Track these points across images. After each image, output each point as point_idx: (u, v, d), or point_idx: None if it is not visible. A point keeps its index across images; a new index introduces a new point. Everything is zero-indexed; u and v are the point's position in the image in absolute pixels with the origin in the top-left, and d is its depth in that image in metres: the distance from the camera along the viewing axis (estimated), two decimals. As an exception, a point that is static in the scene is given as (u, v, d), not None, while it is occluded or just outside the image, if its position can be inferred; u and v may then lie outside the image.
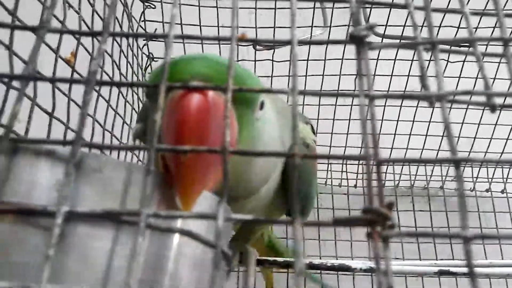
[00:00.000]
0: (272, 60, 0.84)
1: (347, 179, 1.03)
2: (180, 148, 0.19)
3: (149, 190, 0.18)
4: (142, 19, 0.78)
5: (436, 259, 0.92)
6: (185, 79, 0.27)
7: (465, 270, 0.42)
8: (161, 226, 0.20)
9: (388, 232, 0.18)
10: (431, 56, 0.21)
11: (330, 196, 1.02)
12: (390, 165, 1.02)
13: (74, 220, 0.18)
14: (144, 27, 0.80)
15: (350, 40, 0.22)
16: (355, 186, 1.04)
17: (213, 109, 0.25)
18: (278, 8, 0.78)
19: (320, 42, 0.23)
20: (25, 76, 0.20)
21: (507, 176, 1.05)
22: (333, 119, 0.97)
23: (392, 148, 0.99)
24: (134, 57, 0.75)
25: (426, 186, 1.06)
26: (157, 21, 0.78)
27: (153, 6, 0.77)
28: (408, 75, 0.91)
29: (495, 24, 0.71)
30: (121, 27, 0.64)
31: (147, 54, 0.82)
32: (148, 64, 0.83)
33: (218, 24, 0.79)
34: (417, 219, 1.01)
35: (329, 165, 1.03)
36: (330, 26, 0.77)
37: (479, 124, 0.97)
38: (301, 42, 0.22)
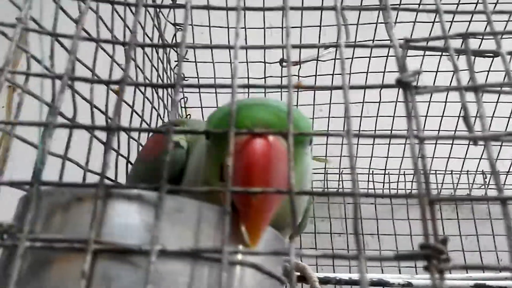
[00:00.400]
0: (299, 76, 0.87)
1: (374, 188, 1.04)
2: (253, 190, 0.21)
3: (227, 229, 0.21)
4: (174, 41, 0.81)
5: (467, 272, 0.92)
6: (248, 125, 0.29)
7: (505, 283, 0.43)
8: (235, 260, 0.23)
9: (444, 266, 0.20)
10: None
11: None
12: (432, 174, 1.03)
13: (163, 257, 0.21)
14: (176, 50, 0.83)
15: (397, 84, 0.24)
16: (382, 197, 1.05)
17: (276, 153, 0.27)
18: (305, 26, 0.80)
19: (369, 86, 0.25)
20: (113, 128, 0.23)
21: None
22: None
23: (433, 157, 1.00)
24: (165, 75, 0.79)
25: (453, 194, 1.06)
26: (188, 44, 0.81)
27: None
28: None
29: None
30: (157, 52, 0.67)
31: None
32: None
33: (246, 42, 0.81)
34: (445, 227, 1.01)
35: (356, 175, 1.04)
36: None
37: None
38: (353, 87, 0.24)
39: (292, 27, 0.83)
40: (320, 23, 0.82)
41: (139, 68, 0.56)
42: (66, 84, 0.24)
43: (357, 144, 0.99)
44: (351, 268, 0.90)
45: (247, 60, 0.84)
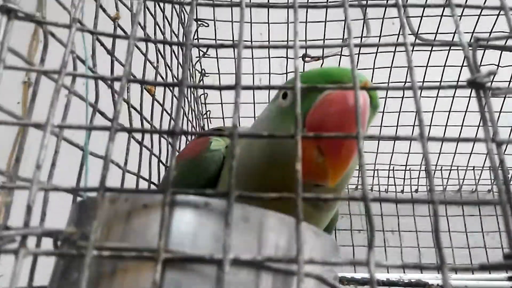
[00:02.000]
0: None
1: (394, 185, 1.03)
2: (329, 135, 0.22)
3: (301, 239, 0.20)
4: (195, 37, 0.80)
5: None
6: (342, 79, 0.34)
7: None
8: (310, 273, 0.22)
9: (533, 277, 0.19)
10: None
11: (378, 203, 1.02)
12: (438, 170, 1.02)
13: (231, 267, 0.20)
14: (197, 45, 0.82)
15: (469, 86, 0.23)
16: (402, 191, 1.04)
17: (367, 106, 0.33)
18: (329, 21, 0.79)
19: (441, 87, 0.24)
20: (177, 132, 0.22)
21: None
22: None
23: (440, 153, 0.99)
24: (188, 72, 0.78)
25: (474, 190, 1.05)
26: (210, 38, 0.80)
27: (206, 25, 0.80)
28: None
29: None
30: (182, 49, 0.66)
31: (200, 70, 0.85)
32: (200, 80, 0.85)
33: (268, 39, 0.80)
34: (467, 224, 1.00)
35: (375, 171, 1.03)
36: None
37: None
38: (424, 87, 0.23)
39: (316, 22, 0.82)
40: (344, 20, 0.81)
41: (168, 66, 0.56)
42: (125, 87, 0.23)
43: (378, 140, 0.98)
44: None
45: (269, 55, 0.83)
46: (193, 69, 0.82)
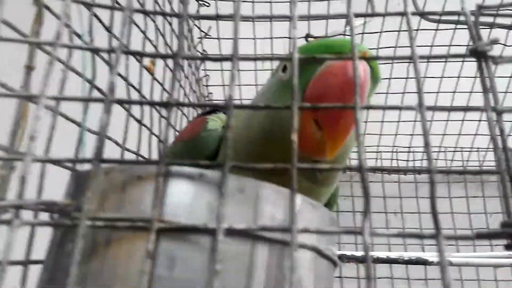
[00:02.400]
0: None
1: (397, 167, 1.03)
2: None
3: (295, 209, 0.20)
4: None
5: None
6: (344, 51, 0.33)
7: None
8: (305, 243, 0.22)
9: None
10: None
11: (380, 185, 1.02)
12: (442, 151, 1.01)
13: (226, 237, 0.20)
14: (198, 26, 0.81)
15: (471, 55, 0.22)
16: (405, 173, 1.03)
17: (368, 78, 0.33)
18: None
19: (440, 56, 0.23)
20: (172, 103, 0.22)
21: None
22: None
23: (444, 134, 0.98)
24: (189, 53, 0.77)
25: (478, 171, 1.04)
26: (212, 18, 0.79)
27: (208, 4, 0.78)
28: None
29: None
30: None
31: (201, 51, 0.84)
32: (201, 62, 0.85)
33: (271, 18, 0.79)
34: (470, 205, 1.00)
35: (379, 153, 1.03)
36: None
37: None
38: (422, 57, 0.23)
39: (320, 0, 0.80)
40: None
41: (168, 44, 0.55)
42: (119, 58, 0.23)
43: (382, 122, 0.97)
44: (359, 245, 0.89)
45: (271, 35, 0.82)
46: (194, 50, 0.81)
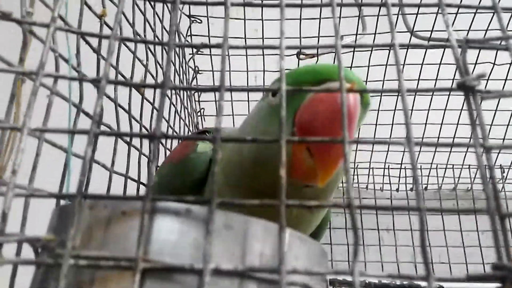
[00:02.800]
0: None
1: (389, 183, 1.03)
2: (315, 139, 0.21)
3: (284, 248, 0.19)
4: (189, 33, 0.79)
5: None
6: (332, 78, 0.33)
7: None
8: (294, 281, 0.22)
9: (520, 287, 0.18)
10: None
11: (373, 201, 1.02)
12: (434, 168, 1.01)
13: (213, 276, 0.19)
14: (191, 42, 0.82)
15: (459, 88, 0.22)
16: (397, 190, 1.03)
17: (357, 108, 0.32)
18: (323, 18, 0.78)
19: (427, 90, 0.23)
20: (158, 136, 0.21)
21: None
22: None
23: (435, 152, 0.99)
24: (181, 69, 0.77)
25: (469, 188, 1.04)
26: (203, 35, 0.79)
27: (199, 21, 0.79)
28: None
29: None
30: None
31: (193, 67, 0.84)
32: (194, 77, 0.84)
33: (263, 36, 0.80)
34: (461, 222, 1.00)
35: (371, 169, 1.03)
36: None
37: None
38: (409, 91, 0.23)
39: (311, 19, 0.81)
40: (339, 15, 0.80)
41: (159, 63, 0.55)
42: (105, 89, 0.22)
43: (373, 144, 0.97)
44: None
45: (263, 53, 0.82)
46: (186, 66, 0.81)
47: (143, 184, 0.46)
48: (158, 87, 0.23)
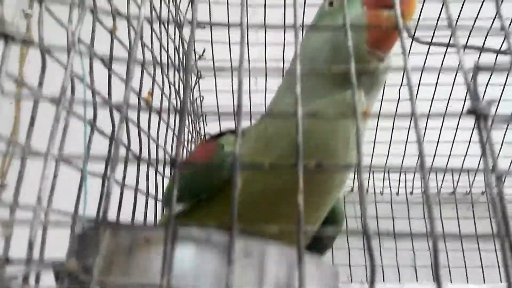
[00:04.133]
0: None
1: (390, 187, 1.03)
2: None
3: (304, 274, 0.20)
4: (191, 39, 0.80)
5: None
6: None
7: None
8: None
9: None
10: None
11: (373, 205, 1.03)
12: (433, 172, 1.02)
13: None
14: (193, 48, 0.82)
15: (469, 114, 0.23)
16: (397, 193, 1.04)
17: None
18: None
19: (438, 114, 0.24)
20: (178, 162, 0.22)
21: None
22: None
23: (434, 156, 1.00)
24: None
25: (468, 192, 1.05)
26: (206, 41, 0.80)
27: (202, 26, 0.79)
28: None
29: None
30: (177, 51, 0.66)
31: (196, 72, 0.85)
32: (196, 82, 0.85)
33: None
34: (461, 225, 1.01)
35: (371, 173, 1.03)
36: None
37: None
38: (423, 115, 0.23)
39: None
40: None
41: (165, 74, 0.55)
42: (126, 116, 0.23)
43: (374, 143, 0.98)
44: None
45: (265, 57, 0.83)
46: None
47: (153, 197, 0.46)
48: (177, 112, 0.24)
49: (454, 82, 0.88)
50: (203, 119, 0.92)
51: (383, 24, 0.39)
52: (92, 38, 0.36)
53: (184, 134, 0.68)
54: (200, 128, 0.88)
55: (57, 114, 0.23)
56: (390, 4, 0.37)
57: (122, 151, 0.41)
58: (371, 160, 1.02)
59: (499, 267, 0.93)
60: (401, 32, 0.34)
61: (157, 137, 0.47)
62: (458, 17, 0.78)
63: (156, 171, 0.42)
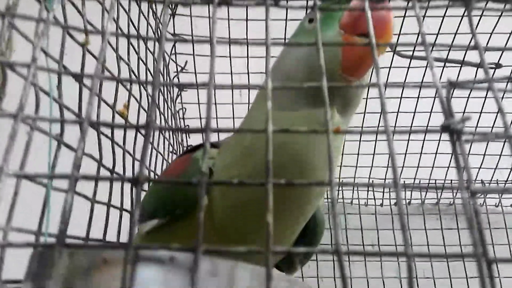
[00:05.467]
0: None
1: (374, 198, 1.03)
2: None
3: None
4: (173, 52, 0.79)
5: None
6: None
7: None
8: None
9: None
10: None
11: (357, 216, 1.02)
12: (416, 183, 1.02)
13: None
14: (175, 60, 0.81)
15: (443, 131, 0.23)
16: (382, 205, 1.04)
17: None
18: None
19: (413, 131, 0.23)
20: (140, 180, 0.21)
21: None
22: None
23: (418, 167, 1.00)
24: (165, 88, 0.76)
25: (451, 202, 1.06)
26: (188, 54, 0.79)
27: (184, 40, 0.78)
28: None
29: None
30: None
31: (177, 85, 0.84)
32: (178, 94, 0.84)
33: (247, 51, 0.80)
34: (445, 237, 1.01)
35: (355, 185, 1.03)
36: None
37: None
38: (400, 132, 0.23)
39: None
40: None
41: (143, 85, 0.54)
42: (87, 130, 0.22)
43: (358, 154, 0.98)
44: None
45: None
46: (171, 86, 0.80)
47: (126, 210, 0.45)
48: (143, 128, 0.23)
49: (435, 96, 0.88)
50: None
51: (356, 52, 0.38)
52: (62, 52, 0.35)
53: (164, 147, 0.67)
54: (182, 140, 0.87)
55: (13, 131, 0.22)
56: (366, 31, 0.38)
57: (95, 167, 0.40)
58: (355, 172, 1.02)
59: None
60: (376, 62, 0.34)
61: (134, 151, 0.46)
62: (438, 32, 0.78)
63: (132, 186, 0.41)
